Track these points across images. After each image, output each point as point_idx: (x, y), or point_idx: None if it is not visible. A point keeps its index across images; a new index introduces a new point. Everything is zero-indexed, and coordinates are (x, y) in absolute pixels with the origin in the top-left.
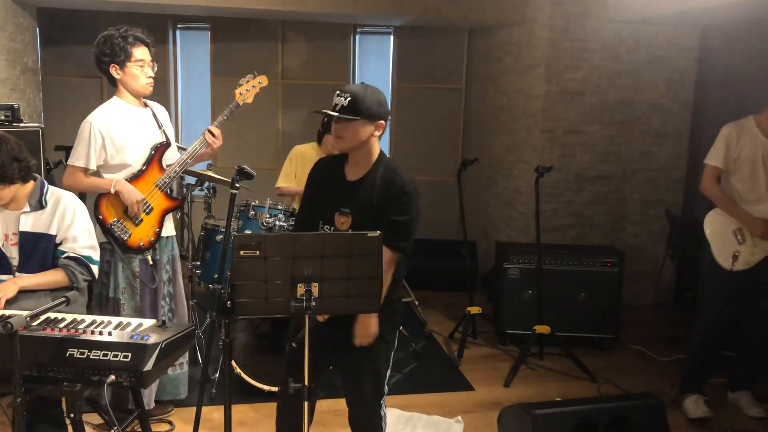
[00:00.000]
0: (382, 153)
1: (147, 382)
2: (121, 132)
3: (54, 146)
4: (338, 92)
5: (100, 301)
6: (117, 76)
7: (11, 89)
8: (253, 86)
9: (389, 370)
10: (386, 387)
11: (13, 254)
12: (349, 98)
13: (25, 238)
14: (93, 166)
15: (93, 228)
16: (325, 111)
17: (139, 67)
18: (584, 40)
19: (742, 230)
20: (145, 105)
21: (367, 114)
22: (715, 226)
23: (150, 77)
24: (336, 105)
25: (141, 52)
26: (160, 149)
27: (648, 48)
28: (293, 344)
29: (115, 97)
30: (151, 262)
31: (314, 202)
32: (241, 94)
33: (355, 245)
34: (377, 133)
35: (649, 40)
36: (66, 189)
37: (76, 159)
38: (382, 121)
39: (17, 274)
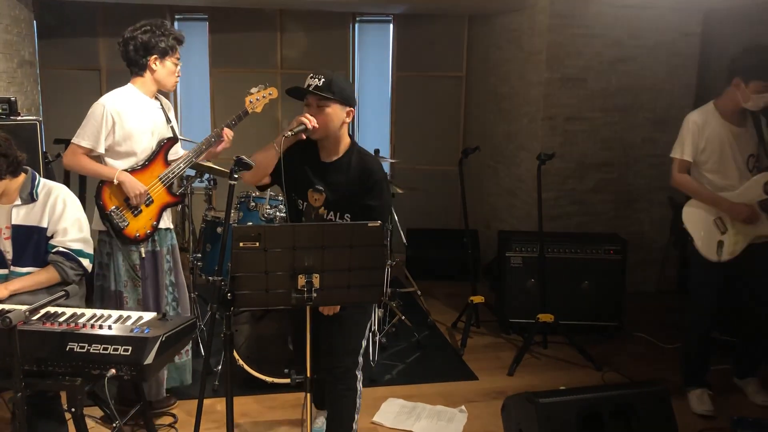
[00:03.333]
0: (353, 139)
1: (148, 376)
2: (132, 119)
3: (53, 139)
4: (311, 75)
5: (102, 294)
6: (154, 67)
7: (8, 82)
8: (264, 96)
9: (365, 341)
10: (361, 359)
11: (7, 248)
12: (323, 79)
13: (18, 231)
14: (101, 149)
15: (85, 220)
16: (300, 87)
17: (175, 64)
18: (586, 26)
19: (723, 219)
20: (156, 98)
21: (341, 95)
22: (695, 219)
23: (179, 76)
24: (309, 86)
25: (179, 52)
26: (167, 144)
27: (650, 33)
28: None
29: (130, 84)
30: (143, 255)
31: (287, 177)
32: (251, 102)
33: (356, 236)
34: (348, 120)
35: (650, 25)
36: (66, 167)
37: (82, 138)
38: (353, 109)
39: (12, 267)
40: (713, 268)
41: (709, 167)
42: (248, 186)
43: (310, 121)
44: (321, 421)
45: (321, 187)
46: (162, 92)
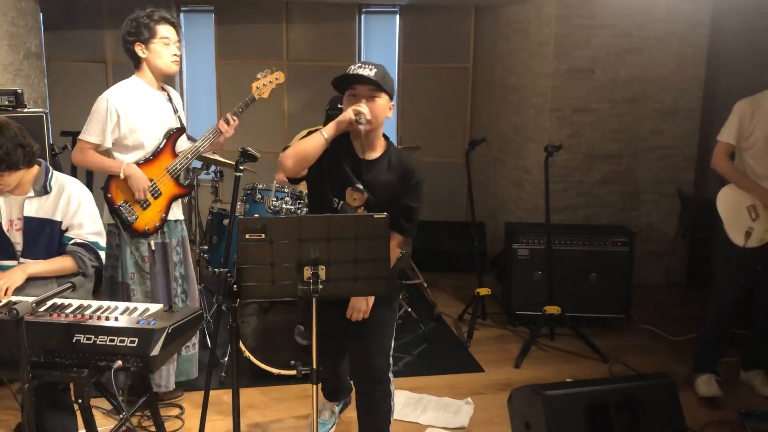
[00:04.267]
0: (386, 135)
1: (154, 367)
2: (137, 112)
3: (60, 132)
4: (360, 65)
5: (112, 285)
6: (142, 55)
7: (15, 74)
8: (270, 81)
9: (393, 341)
10: (391, 359)
11: (17, 239)
12: (374, 69)
13: (30, 223)
14: (108, 144)
15: (98, 214)
16: (359, 74)
17: (164, 44)
18: (593, 17)
19: (756, 207)
20: (162, 89)
21: (389, 87)
22: (728, 203)
23: (175, 55)
24: (361, 76)
25: (166, 30)
26: (174, 135)
27: (658, 24)
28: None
29: (134, 76)
30: (153, 248)
31: (327, 175)
32: (257, 88)
33: (362, 228)
34: (389, 115)
35: (659, 15)
36: (75, 164)
37: (89, 134)
38: (393, 103)
39: (22, 259)
40: (740, 257)
41: (752, 153)
42: (254, 178)
43: (367, 111)
44: (328, 414)
45: (362, 187)
46: (167, 80)
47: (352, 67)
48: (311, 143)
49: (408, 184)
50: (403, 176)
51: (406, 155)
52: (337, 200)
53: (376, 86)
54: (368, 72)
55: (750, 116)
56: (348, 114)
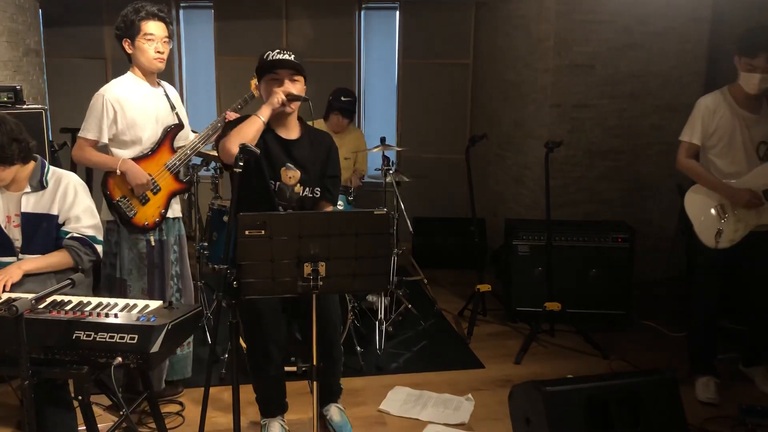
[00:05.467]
0: (300, 117)
1: (154, 364)
2: (134, 107)
3: (59, 128)
4: (278, 50)
5: (109, 282)
6: (129, 51)
7: (14, 71)
8: None
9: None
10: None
11: (16, 236)
12: (293, 55)
13: (27, 219)
14: (105, 140)
15: (95, 207)
16: (285, 59)
17: (148, 41)
18: (594, 12)
19: (724, 206)
20: (158, 84)
21: (306, 73)
22: (696, 205)
23: (159, 52)
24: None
25: (152, 27)
26: (172, 131)
27: (659, 19)
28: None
29: (129, 72)
30: (153, 244)
31: (262, 160)
32: (256, 85)
33: (362, 224)
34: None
35: (659, 10)
36: (75, 161)
37: (87, 131)
38: (305, 86)
39: (21, 255)
40: (716, 255)
41: (716, 152)
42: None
43: (296, 92)
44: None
45: (293, 165)
46: (165, 77)
47: (271, 53)
48: (254, 127)
49: (329, 156)
50: (327, 150)
51: (319, 129)
52: (273, 182)
53: (298, 69)
54: (289, 57)
55: (712, 113)
56: (280, 96)
